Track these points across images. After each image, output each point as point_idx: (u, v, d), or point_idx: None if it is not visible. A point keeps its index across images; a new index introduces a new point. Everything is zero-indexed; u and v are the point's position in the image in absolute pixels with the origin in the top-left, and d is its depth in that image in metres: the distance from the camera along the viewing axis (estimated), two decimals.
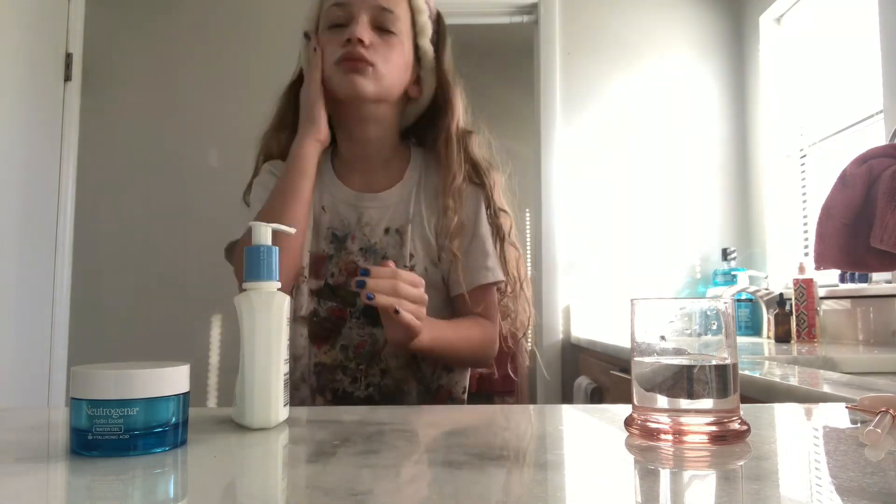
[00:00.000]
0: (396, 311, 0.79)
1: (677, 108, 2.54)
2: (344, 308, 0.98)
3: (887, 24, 1.72)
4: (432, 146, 1.05)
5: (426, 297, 0.85)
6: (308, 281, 0.97)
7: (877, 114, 1.83)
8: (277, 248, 0.61)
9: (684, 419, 0.50)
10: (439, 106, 1.04)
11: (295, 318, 0.96)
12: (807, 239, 2.27)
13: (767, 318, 2.07)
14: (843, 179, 1.02)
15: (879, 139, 1.79)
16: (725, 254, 2.40)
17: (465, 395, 1.07)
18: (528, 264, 3.56)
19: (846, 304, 1.84)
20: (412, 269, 0.97)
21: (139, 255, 2.45)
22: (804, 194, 2.31)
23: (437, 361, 1.00)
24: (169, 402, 0.48)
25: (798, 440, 0.55)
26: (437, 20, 1.05)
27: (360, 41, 0.92)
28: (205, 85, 2.51)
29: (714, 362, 0.51)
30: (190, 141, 2.49)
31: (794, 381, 0.91)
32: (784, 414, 0.65)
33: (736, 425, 0.50)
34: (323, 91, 0.96)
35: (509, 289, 1.06)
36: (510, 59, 3.66)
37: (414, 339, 0.84)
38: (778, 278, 2.29)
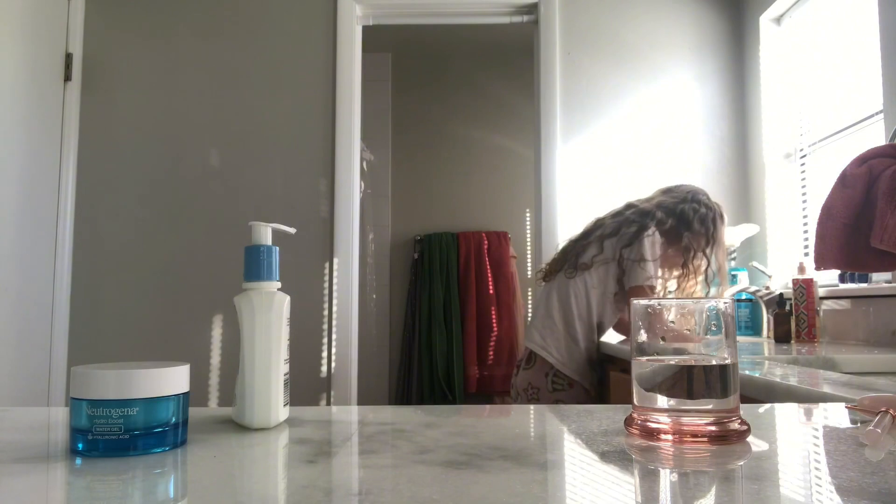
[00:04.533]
0: None
1: (677, 108, 2.54)
2: None
3: (887, 24, 1.72)
4: None
5: None
6: None
7: (877, 114, 1.83)
8: (277, 247, 0.61)
9: (684, 419, 0.50)
10: None
11: None
12: (807, 239, 2.27)
13: (767, 318, 2.07)
14: (843, 179, 1.02)
15: (879, 139, 1.79)
16: None
17: None
18: (529, 265, 3.56)
19: (846, 304, 1.84)
20: None
21: (139, 255, 2.46)
22: (804, 194, 2.30)
23: None
24: (169, 402, 0.48)
25: (798, 440, 0.55)
26: None
27: None
28: (205, 85, 2.51)
29: (714, 362, 0.51)
30: (190, 141, 2.49)
31: (793, 381, 0.91)
32: (784, 414, 0.65)
33: (736, 425, 0.50)
34: None
35: None
36: (510, 59, 3.66)
37: None
38: (778, 278, 2.29)
